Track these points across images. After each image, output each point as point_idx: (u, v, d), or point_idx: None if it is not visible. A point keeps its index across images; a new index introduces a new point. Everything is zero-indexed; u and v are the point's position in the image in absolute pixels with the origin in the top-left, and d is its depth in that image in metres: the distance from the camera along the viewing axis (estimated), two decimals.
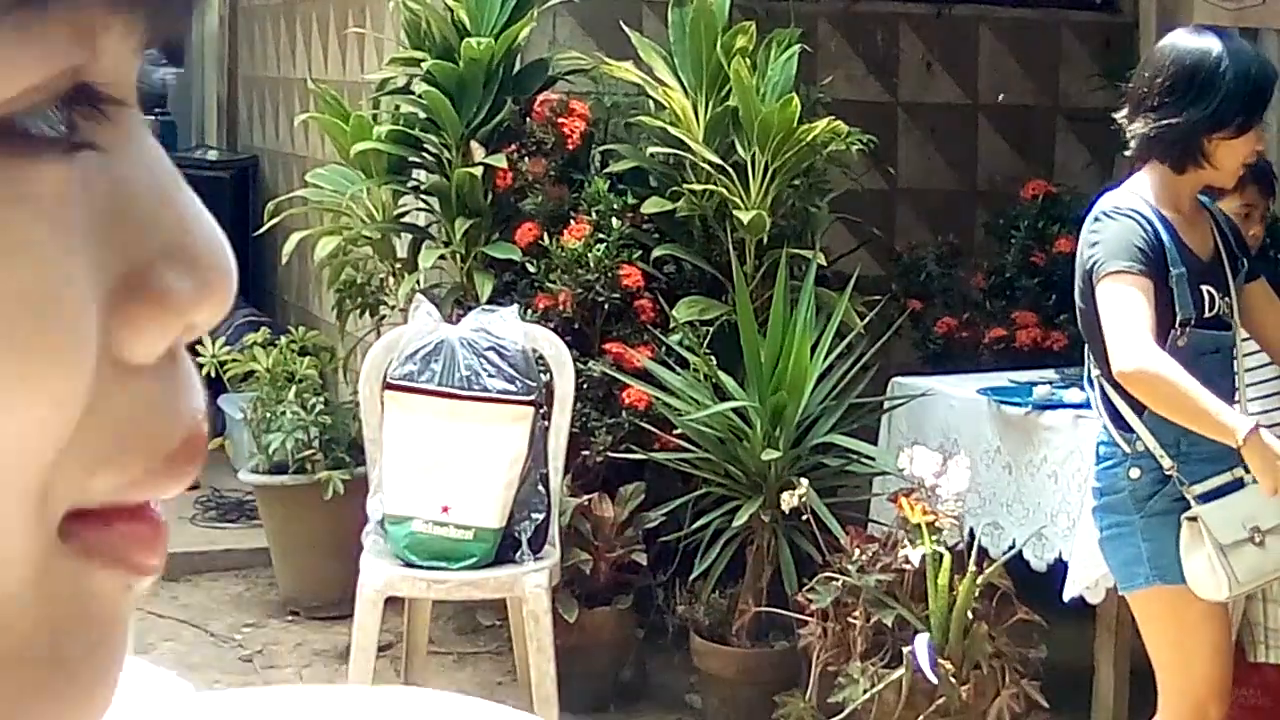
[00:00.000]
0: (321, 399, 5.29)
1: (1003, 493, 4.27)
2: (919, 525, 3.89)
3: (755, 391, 4.42)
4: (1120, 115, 3.30)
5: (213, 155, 8.58)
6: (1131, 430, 3.18)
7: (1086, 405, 4.13)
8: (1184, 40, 3.24)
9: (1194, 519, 3.11)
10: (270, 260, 7.47)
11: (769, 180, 4.69)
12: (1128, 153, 3.28)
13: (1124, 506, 3.21)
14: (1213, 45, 3.18)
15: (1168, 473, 3.15)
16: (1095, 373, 3.27)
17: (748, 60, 4.70)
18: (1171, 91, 3.17)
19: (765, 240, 4.76)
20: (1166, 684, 3.28)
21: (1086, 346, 3.32)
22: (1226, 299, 3.26)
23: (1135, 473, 3.19)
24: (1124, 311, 3.02)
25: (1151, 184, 3.20)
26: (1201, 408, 2.99)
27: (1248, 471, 3.13)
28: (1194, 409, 3.00)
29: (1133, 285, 3.05)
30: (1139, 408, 3.16)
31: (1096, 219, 3.16)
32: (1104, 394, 3.24)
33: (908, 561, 3.92)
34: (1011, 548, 4.14)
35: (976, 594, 3.89)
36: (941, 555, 3.87)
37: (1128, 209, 3.14)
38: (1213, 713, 3.24)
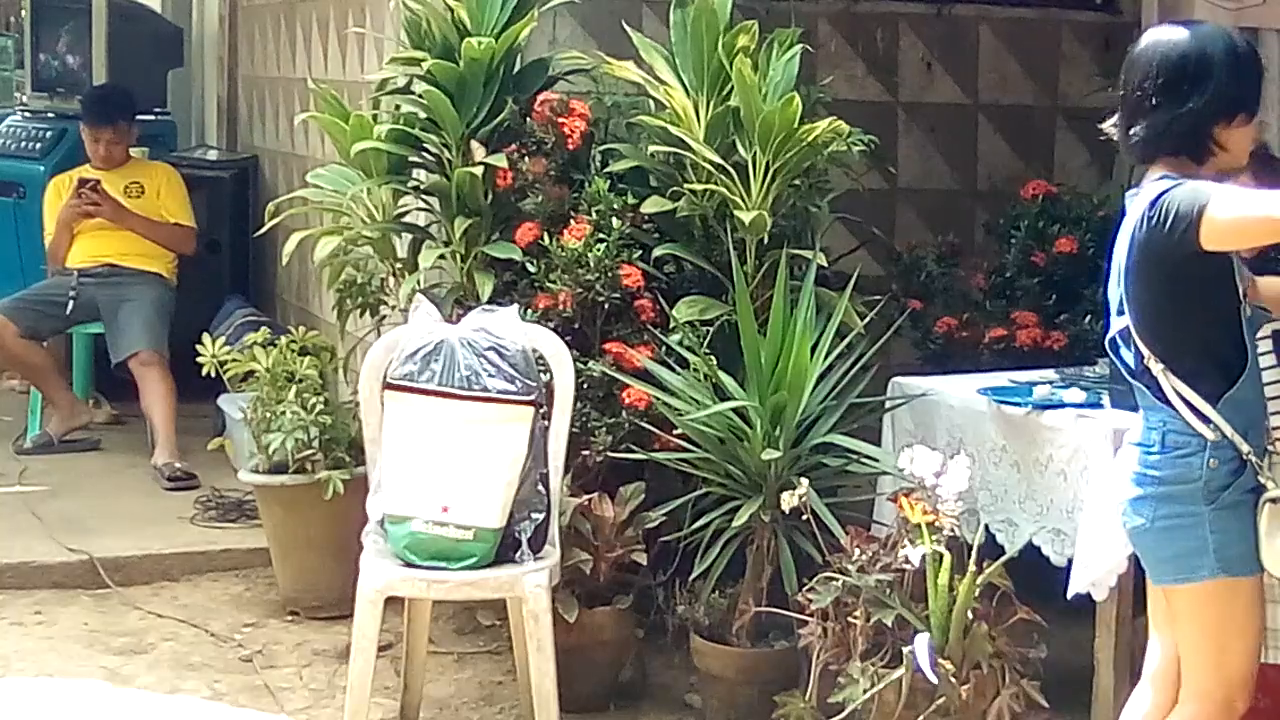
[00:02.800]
0: (321, 399, 5.28)
1: (1014, 490, 4.27)
2: (919, 525, 3.89)
3: (755, 391, 4.42)
4: (1109, 124, 3.30)
5: (213, 155, 8.58)
6: (1209, 420, 3.16)
7: (1086, 405, 4.14)
8: (1162, 36, 3.25)
9: (1276, 500, 3.12)
10: (270, 260, 7.47)
11: (770, 180, 4.69)
12: (1135, 156, 3.27)
13: (1193, 497, 3.17)
14: (1191, 34, 3.20)
15: (1246, 458, 3.15)
16: (1159, 367, 3.20)
17: (749, 60, 4.69)
18: (1167, 88, 3.17)
19: (766, 240, 4.75)
20: (1198, 675, 3.25)
21: (1135, 342, 3.23)
22: (1246, 275, 3.29)
23: (1214, 463, 3.16)
24: (1250, 199, 3.02)
25: (1178, 176, 3.19)
26: None
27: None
28: None
29: (1237, 189, 3.05)
30: (1213, 396, 3.15)
31: (1154, 204, 3.11)
32: (1172, 386, 3.20)
33: (908, 561, 3.92)
34: (1028, 543, 4.14)
35: (976, 594, 3.89)
36: (941, 555, 3.87)
37: (1175, 182, 3.14)
38: (1240, 705, 3.25)
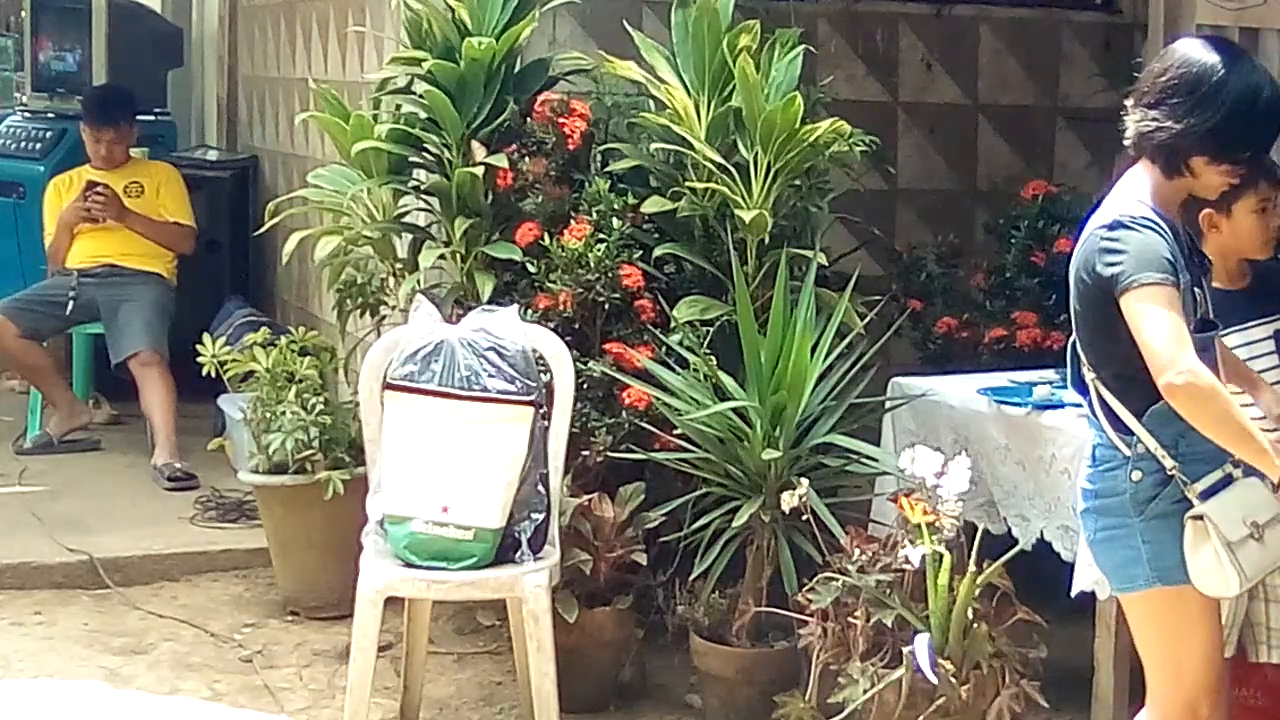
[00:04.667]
0: (321, 399, 5.28)
1: (1022, 487, 4.28)
2: (919, 525, 3.89)
3: (755, 391, 4.42)
4: (1127, 106, 3.27)
5: (213, 155, 8.58)
6: (1131, 433, 3.18)
7: None
8: (1197, 49, 3.19)
9: (1199, 518, 3.12)
10: (270, 260, 7.47)
11: (771, 180, 4.69)
12: (1126, 143, 3.26)
13: (1123, 509, 3.21)
14: (1222, 61, 3.13)
15: (1170, 473, 3.14)
16: (1090, 376, 3.25)
17: (752, 59, 4.69)
18: (1173, 94, 3.14)
19: (766, 240, 4.75)
20: (1158, 684, 3.28)
21: (1077, 348, 3.30)
22: (1206, 295, 3.27)
23: (1136, 475, 3.18)
24: (1165, 326, 3.00)
25: (1150, 187, 3.19)
26: (1246, 433, 3.02)
27: (1236, 467, 3.15)
28: (1238, 432, 3.01)
29: (1168, 298, 3.03)
30: (1138, 409, 3.16)
31: (1112, 227, 3.11)
32: (1100, 398, 3.23)
33: (908, 561, 3.92)
34: (1032, 543, 4.15)
35: (976, 594, 3.89)
36: (941, 555, 3.87)
37: (1143, 219, 3.11)
38: (1203, 710, 3.25)
